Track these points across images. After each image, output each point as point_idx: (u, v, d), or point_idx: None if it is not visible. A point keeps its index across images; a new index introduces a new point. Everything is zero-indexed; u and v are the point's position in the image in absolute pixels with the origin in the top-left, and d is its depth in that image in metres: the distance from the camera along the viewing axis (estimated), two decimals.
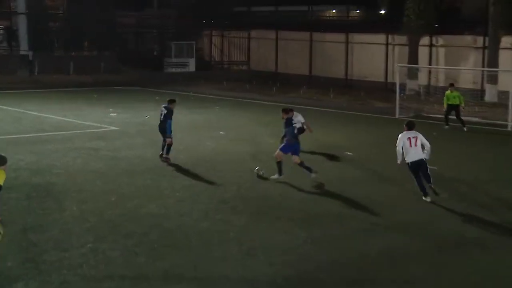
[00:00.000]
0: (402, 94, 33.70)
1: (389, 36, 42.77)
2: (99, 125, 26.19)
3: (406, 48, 40.18)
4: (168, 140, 19.18)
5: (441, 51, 40.70)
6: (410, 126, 15.46)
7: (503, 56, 36.70)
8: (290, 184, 16.77)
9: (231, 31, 53.72)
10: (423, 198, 15.20)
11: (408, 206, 14.92)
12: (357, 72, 44.61)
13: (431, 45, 41.00)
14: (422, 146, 15.20)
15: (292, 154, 16.81)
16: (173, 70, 50.67)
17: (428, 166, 15.21)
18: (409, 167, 15.27)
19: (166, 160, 19.19)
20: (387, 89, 41.76)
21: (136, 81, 44.52)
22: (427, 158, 15.17)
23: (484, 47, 38.31)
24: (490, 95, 35.86)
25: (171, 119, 19.16)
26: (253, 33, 52.12)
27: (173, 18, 54.87)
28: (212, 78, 46.85)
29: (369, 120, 29.54)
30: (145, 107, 31.87)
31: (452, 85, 26.91)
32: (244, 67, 52.90)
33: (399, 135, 15.40)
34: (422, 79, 38.75)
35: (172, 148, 19.42)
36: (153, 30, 55.64)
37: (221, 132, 24.49)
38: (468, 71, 37.07)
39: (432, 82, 39.21)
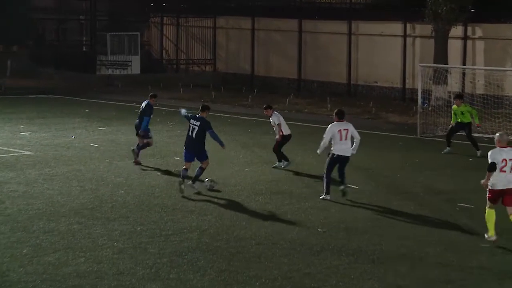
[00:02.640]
0: (425, 105, 33.91)
1: (408, 26, 43.17)
2: (5, 148, 26.04)
3: (431, 42, 40.55)
4: (149, 140, 23.42)
5: (480, 45, 41.13)
6: (341, 116, 19.29)
7: None
8: (272, 227, 16.79)
9: (189, 18, 53.90)
10: (322, 195, 19.32)
11: (433, 259, 15.01)
12: (364, 74, 44.90)
13: (465, 38, 41.43)
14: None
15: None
16: (110, 72, 50.62)
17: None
18: (333, 157, 19.21)
19: (137, 162, 23.19)
20: (405, 98, 42.09)
21: (58, 88, 44.30)
22: (354, 152, 19.44)
23: None
24: None
25: (149, 116, 23.18)
26: (221, 21, 52.31)
27: (108, 0, 54.91)
28: (164, 83, 46.81)
29: (380, 140, 29.68)
30: (70, 124, 31.71)
31: (459, 96, 27.08)
32: (209, 68, 53.06)
33: (329, 125, 19.20)
34: (453, 84, 39.10)
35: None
36: (80, 17, 55.61)
37: (176, 158, 24.49)
38: None
39: (467, 89, 39.56)
